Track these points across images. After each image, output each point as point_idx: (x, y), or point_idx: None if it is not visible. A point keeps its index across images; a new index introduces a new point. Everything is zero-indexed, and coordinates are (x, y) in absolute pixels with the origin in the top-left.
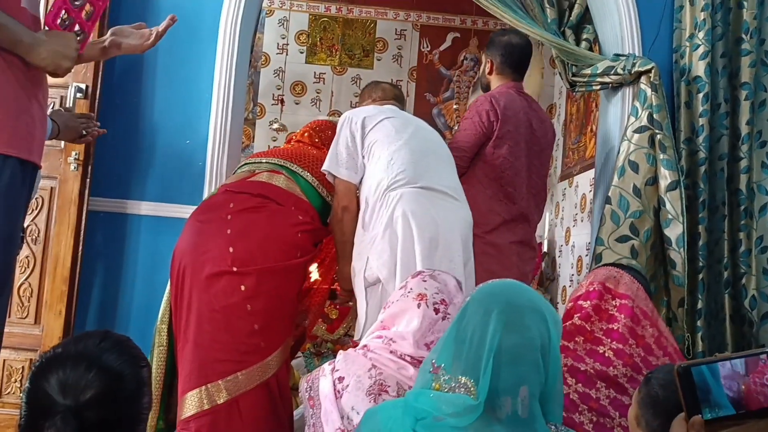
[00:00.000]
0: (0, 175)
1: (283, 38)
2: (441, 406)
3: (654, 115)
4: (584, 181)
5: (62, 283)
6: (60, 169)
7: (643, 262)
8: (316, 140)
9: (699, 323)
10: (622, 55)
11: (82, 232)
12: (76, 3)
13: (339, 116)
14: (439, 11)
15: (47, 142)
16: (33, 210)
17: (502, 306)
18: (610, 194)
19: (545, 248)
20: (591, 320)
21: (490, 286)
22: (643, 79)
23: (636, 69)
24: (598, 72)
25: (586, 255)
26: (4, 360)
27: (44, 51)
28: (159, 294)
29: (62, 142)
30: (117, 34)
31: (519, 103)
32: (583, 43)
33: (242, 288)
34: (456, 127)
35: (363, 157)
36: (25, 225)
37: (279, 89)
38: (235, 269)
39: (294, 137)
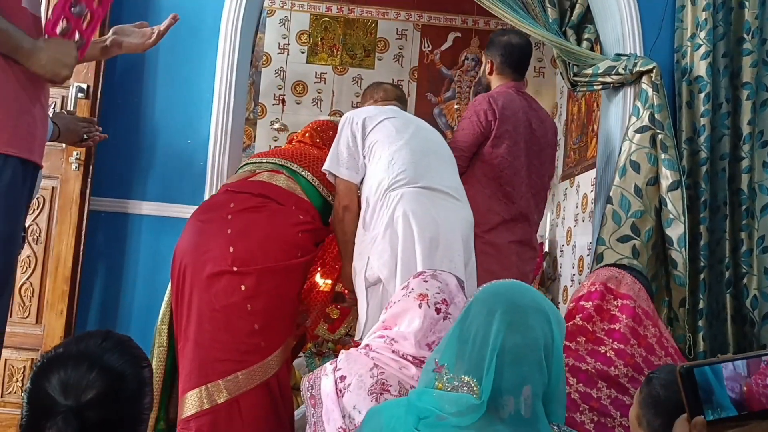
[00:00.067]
0: (1, 175)
1: (285, 38)
2: (444, 405)
3: (655, 115)
4: (585, 180)
5: (63, 283)
6: (61, 169)
7: (644, 262)
8: (318, 140)
9: (700, 323)
10: (624, 55)
11: (83, 231)
12: (76, 11)
13: (340, 116)
14: (440, 11)
15: (48, 143)
16: (34, 210)
17: (506, 306)
18: (611, 194)
19: (546, 248)
20: (593, 320)
21: (493, 286)
22: (644, 78)
23: (637, 69)
24: (600, 72)
25: (588, 255)
26: (6, 360)
27: (44, 57)
28: (160, 294)
29: None
30: (118, 33)
31: (518, 102)
32: (585, 43)
33: (242, 288)
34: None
35: (364, 157)
36: (27, 225)
37: (280, 89)
38: (235, 269)
39: (295, 137)
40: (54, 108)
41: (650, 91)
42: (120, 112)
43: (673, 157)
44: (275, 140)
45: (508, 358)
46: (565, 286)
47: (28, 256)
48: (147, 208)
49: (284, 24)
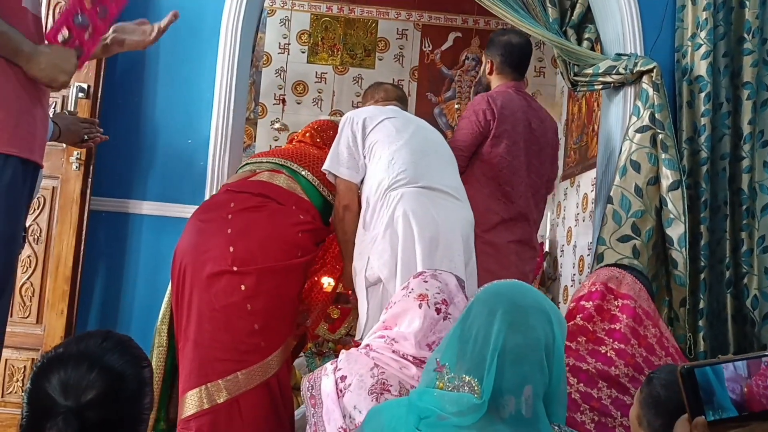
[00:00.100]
0: (1, 175)
1: (285, 38)
2: (445, 405)
3: (656, 115)
4: (586, 180)
5: (64, 283)
6: (62, 169)
7: (644, 261)
8: (318, 140)
9: (701, 323)
10: (624, 55)
11: (83, 231)
12: (79, 22)
13: (341, 116)
14: (441, 11)
15: (48, 142)
16: (35, 209)
17: (507, 306)
18: (611, 194)
19: (547, 248)
20: (593, 320)
21: (495, 286)
22: (644, 78)
23: (638, 68)
24: (600, 71)
25: (588, 255)
26: (6, 359)
27: (43, 62)
28: (161, 293)
29: None
30: (119, 31)
31: (517, 102)
32: (585, 43)
33: (242, 287)
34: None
35: (364, 157)
36: (27, 224)
37: (280, 89)
38: (235, 269)
39: (296, 137)
40: (55, 108)
41: (651, 90)
42: (120, 112)
43: (674, 156)
44: (276, 140)
45: (509, 358)
46: (566, 285)
47: (28, 256)
48: (147, 208)
49: (285, 24)
